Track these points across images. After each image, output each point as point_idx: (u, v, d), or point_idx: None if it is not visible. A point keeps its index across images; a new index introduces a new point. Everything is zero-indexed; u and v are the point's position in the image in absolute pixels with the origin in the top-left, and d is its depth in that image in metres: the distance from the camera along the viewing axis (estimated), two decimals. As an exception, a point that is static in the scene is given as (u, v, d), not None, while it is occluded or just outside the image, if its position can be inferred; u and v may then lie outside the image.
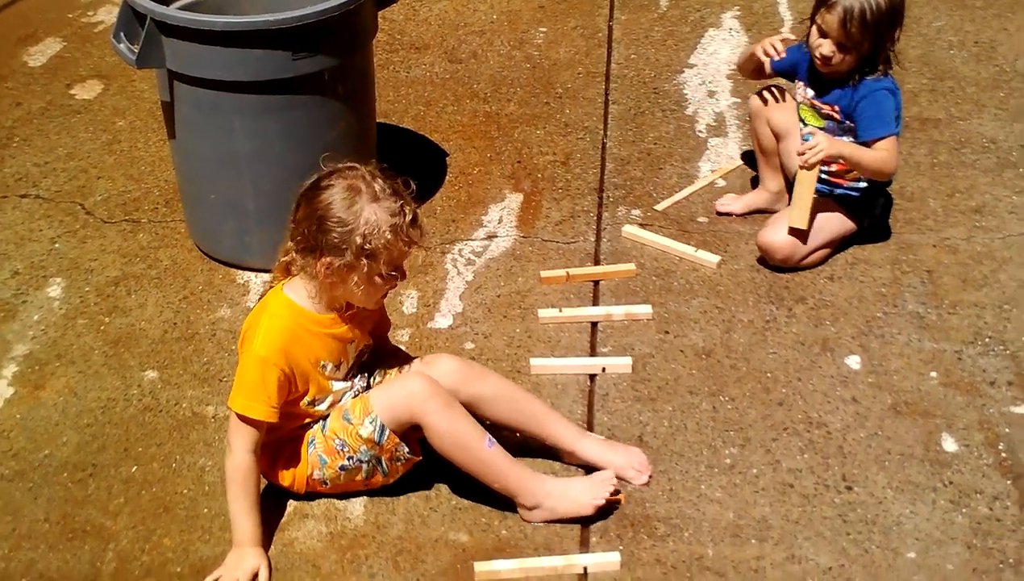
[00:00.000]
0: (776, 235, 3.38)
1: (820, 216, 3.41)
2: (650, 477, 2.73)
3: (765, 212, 3.64)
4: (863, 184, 3.44)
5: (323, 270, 2.48)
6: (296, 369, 2.53)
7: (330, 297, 2.57)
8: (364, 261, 2.46)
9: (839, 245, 3.50)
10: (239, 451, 2.49)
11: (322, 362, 2.57)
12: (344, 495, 2.68)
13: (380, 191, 2.46)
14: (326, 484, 2.65)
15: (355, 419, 2.57)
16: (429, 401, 2.52)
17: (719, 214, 3.71)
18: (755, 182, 3.81)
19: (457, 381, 2.66)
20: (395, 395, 2.56)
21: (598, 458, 2.73)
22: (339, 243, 2.44)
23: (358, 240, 2.43)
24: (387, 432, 2.54)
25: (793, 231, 3.35)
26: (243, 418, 2.48)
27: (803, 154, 3.24)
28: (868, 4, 3.20)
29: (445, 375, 2.66)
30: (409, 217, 2.48)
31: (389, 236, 2.45)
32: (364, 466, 2.60)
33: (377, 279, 2.51)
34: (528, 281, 3.44)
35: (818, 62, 3.35)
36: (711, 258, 3.48)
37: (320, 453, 2.61)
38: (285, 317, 2.55)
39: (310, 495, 2.69)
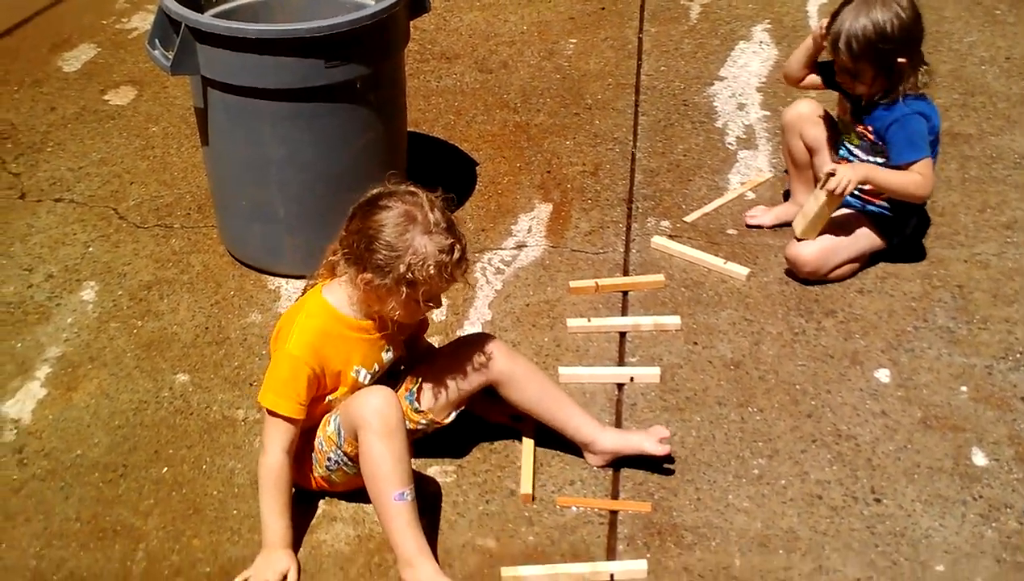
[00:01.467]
0: (804, 248, 3.38)
1: (856, 229, 3.42)
2: (671, 453, 2.75)
3: None
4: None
5: (363, 285, 2.50)
6: (327, 369, 2.54)
7: (368, 308, 2.59)
8: (404, 288, 2.47)
9: (868, 260, 3.50)
10: (272, 450, 2.50)
11: (355, 366, 2.58)
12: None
13: (434, 224, 2.47)
14: (330, 483, 2.66)
15: (328, 416, 2.60)
16: (374, 418, 2.46)
17: (748, 226, 3.71)
18: (786, 195, 3.80)
19: (491, 357, 2.69)
20: (354, 401, 2.53)
21: (618, 444, 2.76)
22: (383, 265, 2.45)
23: (401, 268, 2.44)
24: (343, 434, 2.55)
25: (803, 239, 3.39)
26: (273, 414, 2.50)
27: (828, 184, 3.23)
28: (854, 29, 3.21)
29: (481, 349, 2.69)
30: (457, 256, 2.49)
31: (432, 271, 2.45)
32: (343, 468, 2.60)
33: (413, 305, 2.53)
34: (557, 291, 3.45)
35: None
36: (740, 270, 3.48)
37: (314, 452, 2.63)
38: (321, 317, 2.57)
39: (337, 496, 2.72)
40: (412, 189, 2.54)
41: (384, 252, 2.45)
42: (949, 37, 5.00)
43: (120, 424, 2.97)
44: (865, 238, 3.45)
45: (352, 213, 2.55)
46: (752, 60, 4.85)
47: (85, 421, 2.98)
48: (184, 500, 2.74)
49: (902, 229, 3.51)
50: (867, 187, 3.37)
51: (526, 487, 2.72)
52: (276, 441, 2.51)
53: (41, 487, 2.78)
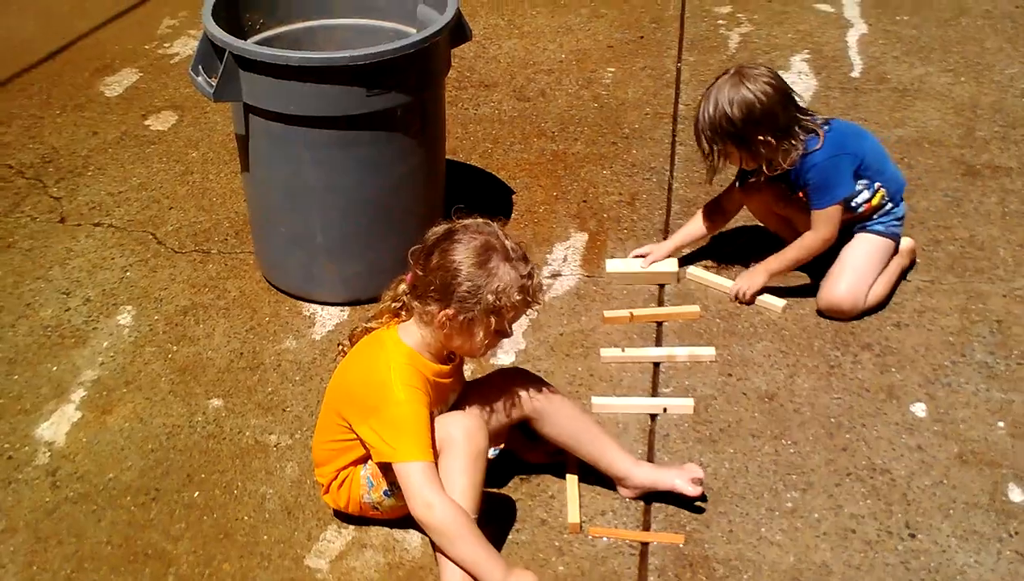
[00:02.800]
0: (834, 291, 3.36)
1: (865, 251, 3.42)
2: (703, 492, 2.73)
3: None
4: (889, 205, 3.43)
5: (444, 320, 2.49)
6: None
7: (440, 346, 2.57)
8: (492, 318, 2.48)
9: (897, 278, 3.51)
10: (440, 498, 2.40)
11: (432, 410, 2.57)
12: (402, 525, 2.67)
13: (512, 251, 2.50)
14: (377, 509, 2.65)
15: None
16: (466, 441, 2.48)
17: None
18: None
19: (526, 392, 2.69)
20: (444, 421, 2.53)
21: (652, 480, 2.74)
22: (468, 297, 2.46)
23: (490, 298, 2.45)
24: None
25: None
26: (414, 464, 2.42)
27: (741, 292, 3.48)
28: (702, 120, 3.32)
29: (517, 385, 2.69)
30: (537, 279, 2.52)
31: (517, 297, 2.48)
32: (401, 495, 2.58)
33: (495, 335, 2.54)
34: (591, 321, 3.44)
35: None
36: (776, 302, 3.46)
37: (368, 475, 2.61)
38: (411, 362, 2.53)
39: (368, 521, 2.71)
40: (484, 220, 2.55)
41: (468, 283, 2.45)
42: (990, 69, 4.96)
43: (153, 448, 2.98)
44: (879, 250, 3.44)
45: (427, 251, 2.53)
46: (791, 91, 4.83)
47: (119, 444, 3.00)
48: (215, 525, 2.74)
49: (900, 222, 3.49)
50: (860, 210, 3.40)
51: (573, 516, 2.71)
52: (435, 487, 2.41)
53: (73, 510, 2.80)
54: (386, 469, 2.54)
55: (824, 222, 3.35)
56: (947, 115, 4.60)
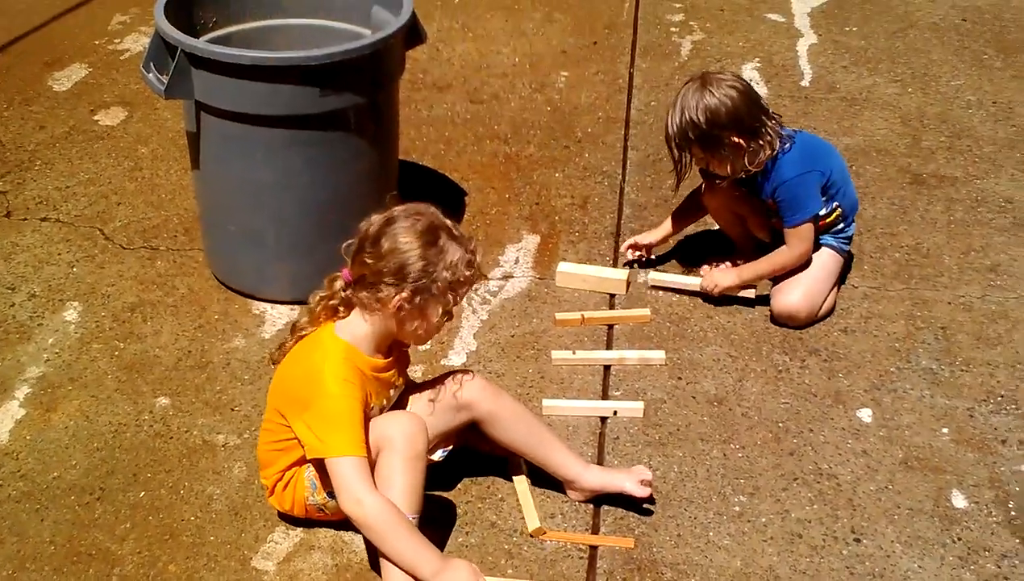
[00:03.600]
0: (790, 299, 3.39)
1: (820, 262, 3.46)
2: (652, 493, 2.75)
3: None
4: (841, 225, 3.48)
5: (400, 303, 2.49)
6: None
7: (386, 336, 2.58)
8: (448, 295, 2.51)
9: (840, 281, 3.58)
10: (369, 495, 2.39)
11: (372, 405, 2.56)
12: (350, 527, 2.65)
13: (454, 229, 2.53)
14: (322, 511, 2.63)
15: None
16: (402, 440, 2.48)
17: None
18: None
19: (476, 396, 2.69)
20: (382, 421, 2.53)
21: (602, 483, 2.75)
22: (423, 277, 2.47)
23: (445, 274, 2.48)
24: None
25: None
26: (344, 459, 2.41)
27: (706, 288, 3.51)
28: (670, 130, 3.34)
29: (465, 388, 2.69)
30: (479, 254, 2.57)
31: (467, 272, 2.52)
32: None
33: (446, 315, 2.56)
34: (543, 322, 3.44)
35: None
36: (747, 292, 3.50)
37: (312, 477, 2.59)
38: (347, 357, 2.52)
39: (315, 523, 2.70)
40: (422, 203, 2.57)
41: (422, 263, 2.47)
42: (936, 80, 5.02)
43: (99, 447, 2.95)
44: (833, 262, 3.49)
45: (372, 239, 2.51)
46: (742, 98, 4.86)
47: (63, 443, 2.97)
48: (161, 525, 2.72)
49: (849, 241, 3.56)
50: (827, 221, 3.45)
51: (533, 522, 2.71)
52: (365, 484, 2.40)
53: (16, 509, 2.76)
54: (326, 471, 2.53)
55: (798, 240, 3.39)
56: (894, 125, 4.65)
